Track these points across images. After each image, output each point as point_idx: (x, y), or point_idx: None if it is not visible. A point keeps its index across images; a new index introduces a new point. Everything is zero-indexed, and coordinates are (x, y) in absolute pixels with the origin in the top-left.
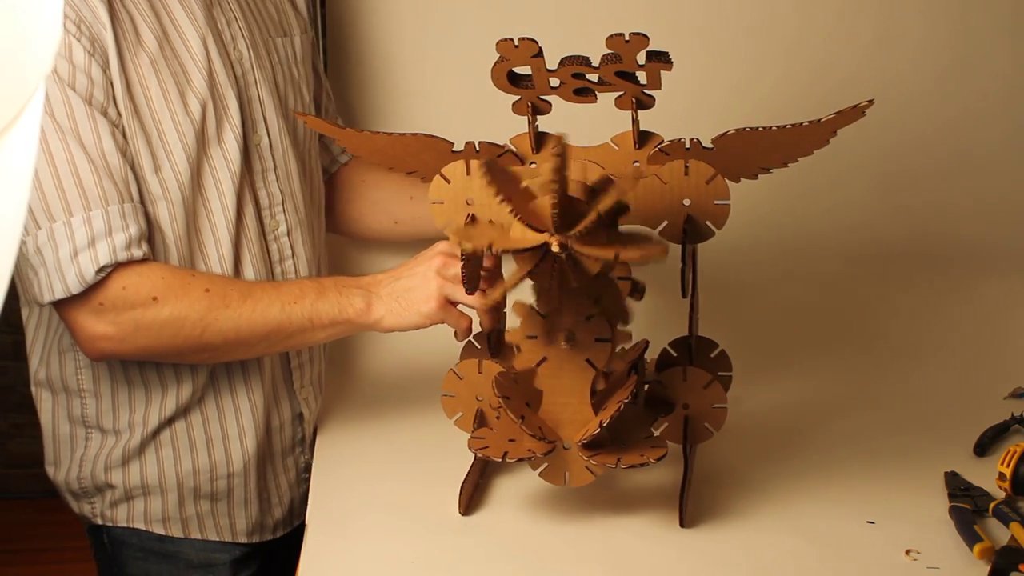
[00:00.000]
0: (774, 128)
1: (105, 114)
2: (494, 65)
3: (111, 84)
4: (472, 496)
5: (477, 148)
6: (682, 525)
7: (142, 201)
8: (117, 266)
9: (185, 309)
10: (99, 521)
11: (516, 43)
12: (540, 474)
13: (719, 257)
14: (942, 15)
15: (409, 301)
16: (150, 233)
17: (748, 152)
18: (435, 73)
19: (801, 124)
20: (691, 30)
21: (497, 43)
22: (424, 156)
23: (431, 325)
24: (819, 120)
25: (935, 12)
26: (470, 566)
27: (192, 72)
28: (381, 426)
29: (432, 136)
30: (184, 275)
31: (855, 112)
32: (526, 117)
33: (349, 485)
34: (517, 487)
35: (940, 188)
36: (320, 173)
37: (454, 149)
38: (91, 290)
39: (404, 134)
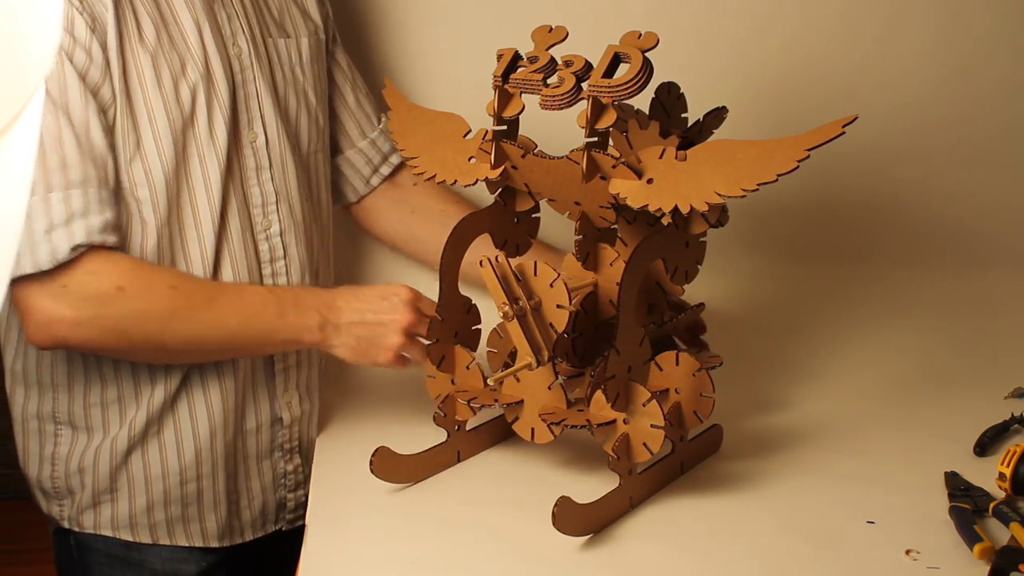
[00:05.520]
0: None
1: (96, 94)
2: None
3: (108, 64)
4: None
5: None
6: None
7: (118, 190)
8: (90, 248)
9: (149, 304)
10: (66, 524)
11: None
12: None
13: (719, 257)
14: (943, 15)
15: (367, 347)
16: (128, 222)
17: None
18: (434, 68)
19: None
20: (691, 29)
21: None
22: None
23: None
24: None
25: (936, 12)
26: (470, 566)
27: (187, 62)
28: (381, 426)
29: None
30: (150, 269)
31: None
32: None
33: (349, 485)
34: (517, 487)
35: (940, 187)
36: (327, 181)
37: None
38: (57, 270)
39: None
